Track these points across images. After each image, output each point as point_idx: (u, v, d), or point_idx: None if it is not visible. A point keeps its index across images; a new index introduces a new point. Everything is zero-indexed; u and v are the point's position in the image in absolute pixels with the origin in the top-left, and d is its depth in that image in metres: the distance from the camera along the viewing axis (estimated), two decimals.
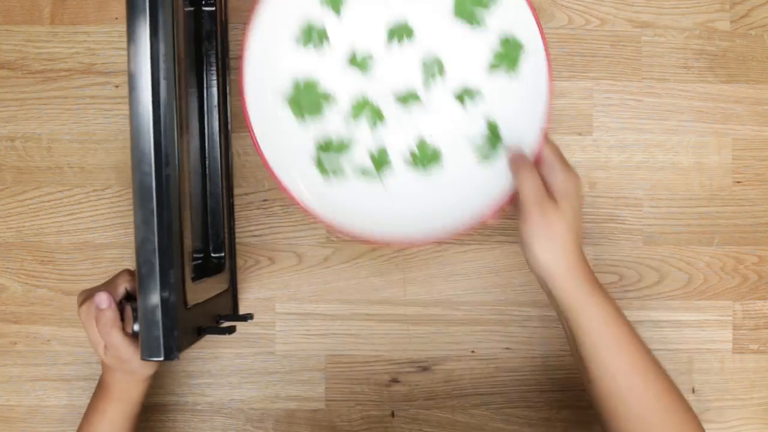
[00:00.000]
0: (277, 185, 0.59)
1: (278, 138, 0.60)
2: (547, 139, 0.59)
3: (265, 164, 0.59)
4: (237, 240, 0.71)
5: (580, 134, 0.72)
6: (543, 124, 0.59)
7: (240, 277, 0.71)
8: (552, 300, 0.58)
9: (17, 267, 0.72)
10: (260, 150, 0.59)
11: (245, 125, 0.58)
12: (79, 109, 0.72)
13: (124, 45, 0.72)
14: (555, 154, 0.58)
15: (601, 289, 0.57)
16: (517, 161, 0.58)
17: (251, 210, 0.72)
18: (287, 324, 0.72)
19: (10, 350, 0.72)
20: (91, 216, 0.72)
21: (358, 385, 0.72)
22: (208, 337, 0.71)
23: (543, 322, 0.72)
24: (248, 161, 0.71)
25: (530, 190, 0.55)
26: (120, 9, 0.72)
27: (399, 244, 0.59)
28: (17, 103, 0.72)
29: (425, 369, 0.72)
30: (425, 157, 0.62)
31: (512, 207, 0.60)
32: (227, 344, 0.71)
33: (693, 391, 0.72)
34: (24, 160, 0.72)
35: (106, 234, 0.72)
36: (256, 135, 0.59)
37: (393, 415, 0.72)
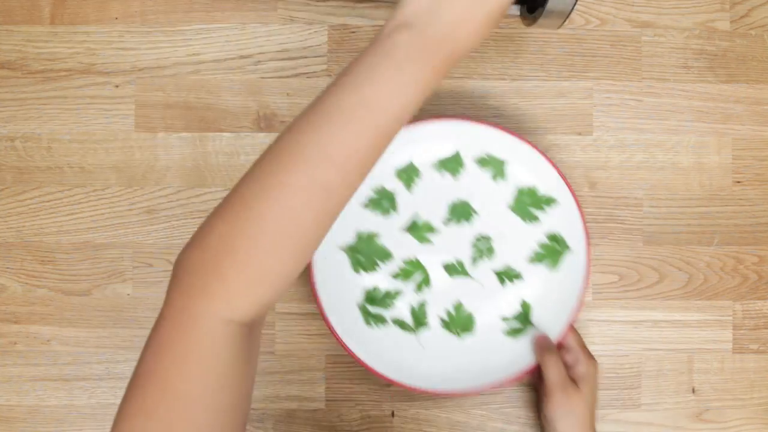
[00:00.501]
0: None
1: (333, 283, 0.67)
2: (572, 328, 0.67)
3: (318, 306, 0.66)
4: None
5: (580, 134, 0.72)
6: (572, 316, 0.66)
7: None
8: None
9: (17, 267, 0.72)
10: (316, 293, 0.65)
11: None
12: (79, 109, 0.72)
13: (124, 45, 0.72)
14: (578, 342, 0.66)
15: None
16: (543, 346, 0.66)
17: None
18: (287, 324, 0.72)
19: (10, 350, 0.72)
20: (91, 216, 0.72)
21: (358, 385, 0.72)
22: None
23: None
24: (249, 161, 0.71)
25: (555, 375, 0.64)
26: (120, 9, 0.72)
27: (426, 392, 0.66)
28: (17, 103, 0.72)
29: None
30: (460, 321, 0.69)
31: (530, 377, 0.69)
32: None
33: (693, 391, 0.72)
34: (24, 160, 0.72)
35: (106, 234, 0.72)
36: (315, 280, 0.66)
37: (393, 415, 0.72)
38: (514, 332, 0.69)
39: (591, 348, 0.72)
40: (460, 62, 0.52)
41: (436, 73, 0.43)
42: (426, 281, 0.69)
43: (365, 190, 0.68)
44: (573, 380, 0.65)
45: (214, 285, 0.42)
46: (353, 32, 0.72)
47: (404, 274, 0.69)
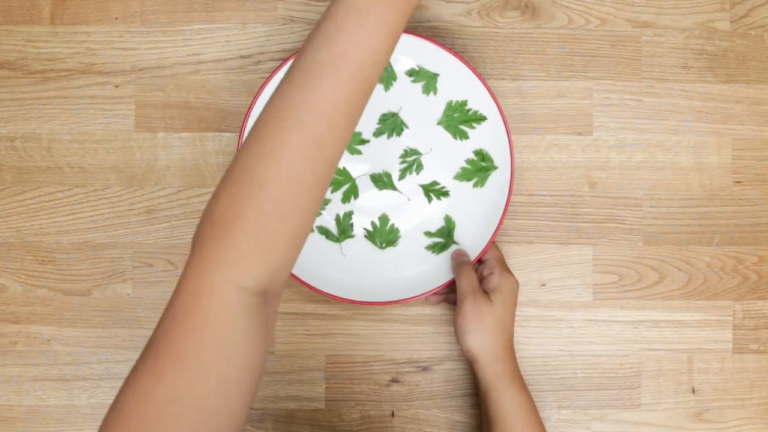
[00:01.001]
0: None
1: None
2: (494, 245, 0.68)
3: None
4: None
5: (580, 134, 0.72)
6: (494, 234, 0.66)
7: None
8: (477, 382, 0.66)
9: (17, 267, 0.72)
10: None
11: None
12: (79, 109, 0.72)
13: (124, 45, 0.73)
14: (496, 258, 0.67)
15: (520, 380, 0.65)
16: (459, 259, 0.67)
17: None
18: (287, 324, 0.72)
19: (10, 350, 0.72)
20: (91, 216, 0.72)
21: (358, 385, 0.72)
22: None
23: (543, 322, 0.72)
24: None
25: (467, 284, 0.64)
26: (120, 9, 0.72)
27: (343, 300, 0.66)
28: (17, 103, 0.72)
29: (425, 369, 0.72)
30: (383, 233, 0.69)
31: (445, 296, 0.70)
32: None
33: (693, 391, 0.72)
34: (24, 160, 0.72)
35: (106, 234, 0.72)
36: None
37: (393, 415, 0.72)
38: (435, 247, 0.69)
39: (591, 348, 0.72)
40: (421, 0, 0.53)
41: (398, 13, 0.45)
42: (353, 191, 0.69)
43: None
44: (486, 292, 0.65)
45: (225, 253, 0.43)
46: None
47: (332, 183, 0.69)
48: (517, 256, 0.72)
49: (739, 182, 0.72)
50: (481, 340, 0.63)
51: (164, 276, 0.71)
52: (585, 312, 0.72)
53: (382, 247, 0.69)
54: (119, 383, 0.71)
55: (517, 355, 0.72)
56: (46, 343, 0.72)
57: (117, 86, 0.72)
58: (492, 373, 0.64)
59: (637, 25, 0.72)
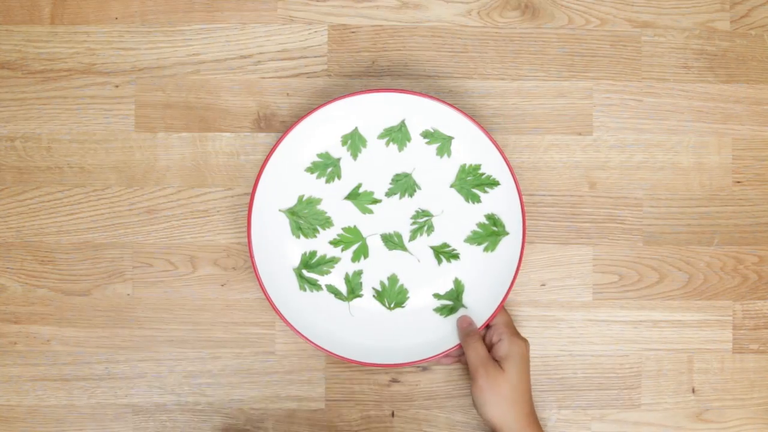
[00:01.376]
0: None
1: (271, 245, 0.68)
2: (503, 310, 0.67)
3: (253, 267, 0.66)
4: (237, 239, 0.71)
5: (580, 134, 0.72)
6: (503, 299, 0.66)
7: (240, 276, 0.72)
8: None
9: (17, 267, 0.72)
10: (252, 253, 0.66)
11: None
12: (79, 109, 0.72)
13: (124, 45, 0.73)
14: (504, 323, 0.66)
15: None
16: (464, 329, 0.67)
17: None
18: None
19: (10, 350, 0.72)
20: (91, 216, 0.72)
21: (358, 385, 0.72)
22: (209, 338, 0.71)
23: (543, 322, 0.72)
24: (249, 161, 0.71)
25: (475, 357, 0.64)
26: (120, 9, 0.72)
27: (350, 362, 0.67)
28: (17, 103, 0.72)
29: (425, 369, 0.72)
30: (392, 293, 0.69)
31: (458, 358, 0.69)
32: (227, 344, 0.72)
33: (693, 391, 0.72)
34: (24, 160, 0.72)
35: (106, 234, 0.72)
36: (252, 241, 0.66)
37: (393, 415, 0.72)
38: (444, 310, 0.69)
39: (591, 348, 0.72)
40: None
41: None
42: (364, 251, 0.69)
43: (310, 155, 0.68)
44: (497, 361, 0.64)
45: None
46: (353, 32, 0.72)
47: (343, 241, 0.69)
48: None
49: (739, 182, 0.72)
50: (500, 409, 0.63)
51: (164, 276, 0.71)
52: (585, 312, 0.72)
53: (390, 308, 0.69)
54: (119, 383, 0.71)
55: None
56: (46, 343, 0.72)
57: (117, 86, 0.72)
58: None
59: (637, 25, 0.72)
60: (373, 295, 0.70)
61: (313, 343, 0.66)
